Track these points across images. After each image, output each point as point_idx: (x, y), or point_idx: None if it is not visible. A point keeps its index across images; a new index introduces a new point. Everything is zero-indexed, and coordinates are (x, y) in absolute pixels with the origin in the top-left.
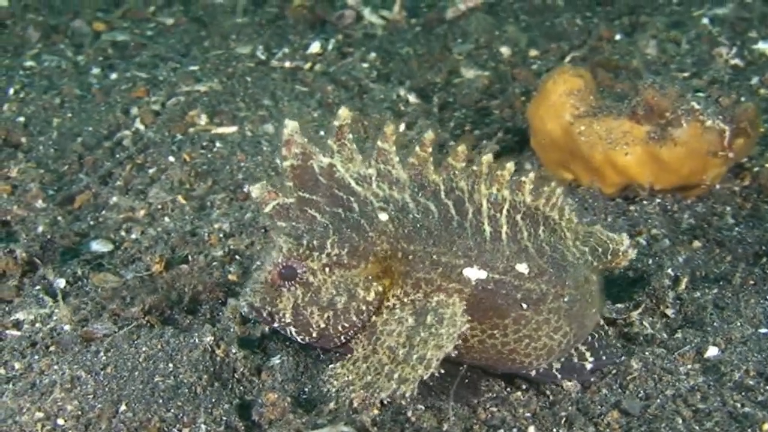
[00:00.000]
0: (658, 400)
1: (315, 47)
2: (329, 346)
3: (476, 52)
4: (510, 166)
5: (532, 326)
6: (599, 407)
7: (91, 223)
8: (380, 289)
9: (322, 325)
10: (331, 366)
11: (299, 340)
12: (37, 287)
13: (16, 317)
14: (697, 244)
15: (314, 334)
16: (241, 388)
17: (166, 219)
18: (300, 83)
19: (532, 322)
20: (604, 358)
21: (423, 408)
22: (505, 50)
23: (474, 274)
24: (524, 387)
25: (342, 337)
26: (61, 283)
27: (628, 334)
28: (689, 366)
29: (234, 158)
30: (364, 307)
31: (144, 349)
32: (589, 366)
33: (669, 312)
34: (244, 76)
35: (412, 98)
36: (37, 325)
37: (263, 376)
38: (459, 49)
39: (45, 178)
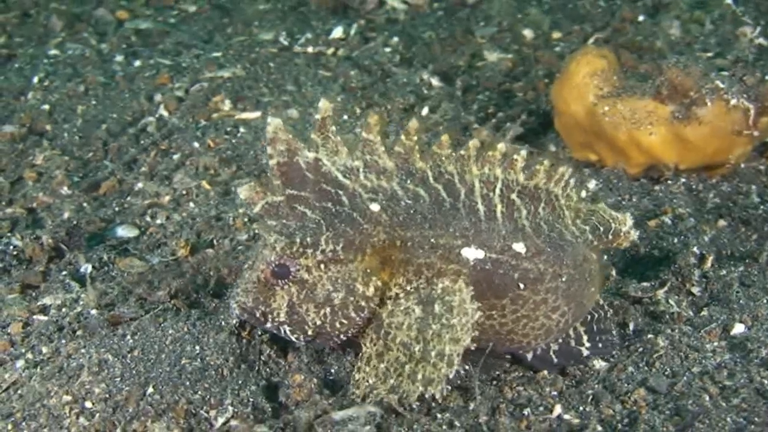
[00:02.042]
0: (685, 378)
1: (337, 32)
2: (329, 344)
3: (499, 35)
4: (501, 146)
5: (530, 306)
6: (626, 385)
7: (117, 209)
8: (379, 283)
9: (318, 323)
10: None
11: (294, 339)
12: (64, 272)
13: (43, 302)
14: (722, 222)
15: (309, 332)
16: (268, 369)
17: (191, 204)
18: (323, 68)
19: (529, 302)
20: (600, 346)
21: (449, 388)
22: (527, 33)
23: (472, 253)
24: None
25: (341, 335)
26: (88, 268)
27: (654, 312)
28: (715, 343)
29: (258, 143)
30: (363, 303)
31: (170, 332)
32: (585, 353)
33: (695, 290)
34: (267, 62)
35: (435, 82)
36: (64, 309)
37: (289, 358)
38: (481, 32)
39: (70, 165)
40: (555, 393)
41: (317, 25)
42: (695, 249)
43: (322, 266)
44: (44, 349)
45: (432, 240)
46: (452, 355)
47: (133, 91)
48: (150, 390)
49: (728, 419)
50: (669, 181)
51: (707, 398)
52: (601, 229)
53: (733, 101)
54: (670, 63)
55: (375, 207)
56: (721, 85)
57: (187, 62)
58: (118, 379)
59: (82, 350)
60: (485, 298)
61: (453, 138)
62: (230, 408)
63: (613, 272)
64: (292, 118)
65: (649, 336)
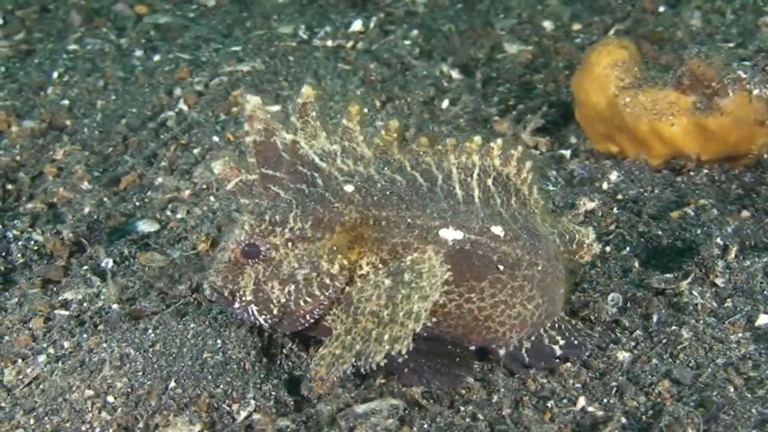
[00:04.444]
0: (709, 369)
1: (357, 26)
2: (296, 327)
3: (519, 27)
4: (477, 138)
5: (508, 291)
6: (650, 377)
7: (137, 203)
8: (345, 262)
9: (283, 300)
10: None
11: (261, 321)
12: (85, 267)
13: (65, 297)
14: (745, 213)
15: (275, 311)
16: (290, 363)
17: (212, 198)
18: (342, 62)
19: (507, 287)
20: (575, 343)
21: (473, 380)
22: (547, 24)
23: (450, 234)
24: (572, 359)
25: (307, 316)
26: (109, 262)
27: (678, 303)
28: (740, 334)
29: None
30: (328, 281)
31: (192, 325)
32: (558, 351)
33: (719, 281)
34: (287, 56)
35: (455, 74)
36: (85, 304)
37: (311, 352)
38: (501, 24)
39: (90, 159)
40: (579, 385)
41: (336, 18)
42: (718, 240)
43: (290, 244)
44: (66, 344)
45: (408, 220)
46: (420, 312)
47: (153, 86)
48: (172, 384)
49: (753, 410)
50: (691, 173)
51: (732, 389)
52: (567, 237)
53: (756, 91)
54: (692, 53)
55: (349, 188)
56: (743, 75)
57: (206, 56)
58: (140, 373)
59: (104, 344)
60: (464, 279)
61: (432, 140)
62: (252, 402)
63: (636, 264)
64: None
65: (673, 327)
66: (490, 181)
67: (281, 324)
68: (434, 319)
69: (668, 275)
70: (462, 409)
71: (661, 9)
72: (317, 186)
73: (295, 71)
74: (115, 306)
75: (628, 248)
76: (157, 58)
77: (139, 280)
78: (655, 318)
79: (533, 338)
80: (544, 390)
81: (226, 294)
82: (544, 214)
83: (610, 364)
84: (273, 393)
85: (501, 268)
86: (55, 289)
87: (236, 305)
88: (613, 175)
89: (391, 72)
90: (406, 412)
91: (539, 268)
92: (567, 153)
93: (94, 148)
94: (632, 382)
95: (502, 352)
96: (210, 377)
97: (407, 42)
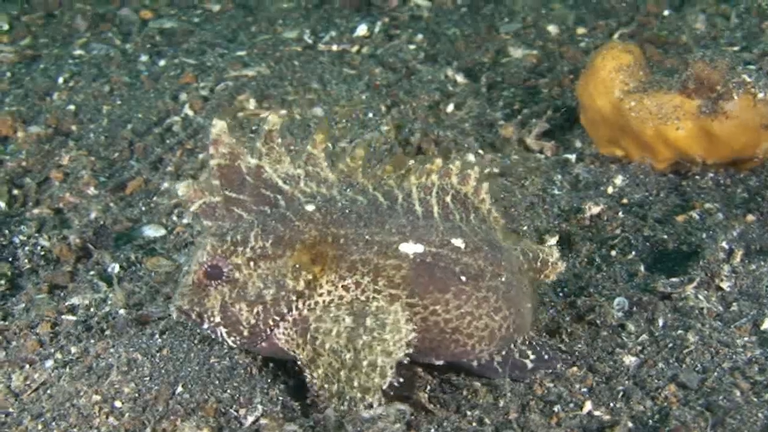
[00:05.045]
0: (716, 373)
1: (362, 30)
2: (253, 345)
3: (523, 31)
4: (438, 161)
5: (473, 302)
6: (656, 381)
7: (143, 208)
8: (310, 277)
9: (252, 321)
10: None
11: (230, 342)
12: (92, 272)
13: (72, 302)
14: (750, 217)
15: (245, 333)
16: (296, 368)
17: None
18: (348, 66)
19: (472, 298)
20: (546, 357)
21: (479, 385)
22: (552, 28)
23: (411, 248)
24: (579, 363)
25: (268, 332)
26: (115, 268)
27: (684, 307)
28: (746, 338)
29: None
30: (294, 297)
31: (199, 330)
32: (530, 365)
33: (724, 285)
34: (292, 60)
35: (460, 78)
36: (92, 309)
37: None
38: (506, 28)
39: (96, 165)
40: (585, 389)
41: (341, 22)
42: (724, 244)
43: (252, 263)
44: (73, 349)
45: (367, 237)
46: (385, 367)
47: (158, 91)
48: (179, 389)
49: (760, 414)
50: (696, 176)
51: (738, 394)
52: (530, 255)
53: (761, 95)
54: (697, 57)
55: (310, 207)
56: (748, 79)
57: (211, 61)
58: (147, 378)
59: (111, 350)
60: (428, 292)
61: (398, 165)
62: (260, 407)
63: (642, 268)
64: (317, 116)
65: (679, 331)
66: (449, 198)
67: (249, 342)
68: None
69: (674, 279)
70: (468, 413)
71: (666, 12)
72: (279, 207)
73: (301, 76)
74: (122, 311)
75: (633, 252)
76: (162, 63)
77: (146, 285)
78: (661, 322)
79: (504, 353)
80: (550, 394)
81: (194, 316)
82: (505, 233)
83: (616, 368)
84: (280, 398)
85: (464, 279)
86: (62, 294)
87: (205, 326)
88: (619, 179)
89: (396, 76)
90: (413, 416)
91: (503, 279)
92: (572, 157)
93: (100, 153)
94: (639, 387)
95: (474, 364)
96: (217, 382)
97: (412, 46)
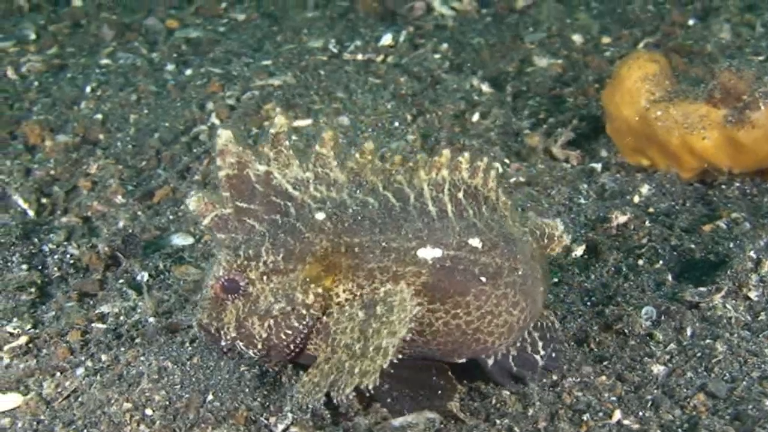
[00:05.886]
0: (744, 383)
1: (387, 39)
2: (283, 357)
3: (548, 40)
4: (446, 152)
5: (493, 302)
6: (685, 390)
7: (171, 217)
8: (320, 290)
9: (265, 335)
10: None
11: (251, 354)
12: (121, 281)
13: (101, 310)
14: None
15: (259, 346)
16: None
17: None
18: (373, 75)
19: (492, 297)
20: (553, 355)
21: (508, 393)
22: (577, 38)
23: (429, 253)
24: (607, 372)
25: (291, 346)
26: (144, 276)
27: (712, 317)
28: None
29: (310, 150)
30: (304, 311)
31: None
32: (540, 362)
33: (752, 294)
34: (317, 70)
35: (485, 88)
36: (122, 317)
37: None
38: (531, 37)
39: (124, 173)
40: (614, 398)
41: (366, 32)
42: (751, 253)
43: (265, 278)
44: (103, 357)
45: (384, 244)
46: (388, 347)
47: (185, 100)
48: (210, 397)
49: None
50: (723, 186)
51: (767, 403)
52: (537, 233)
53: None
54: (723, 66)
55: (320, 216)
56: None
57: (237, 70)
58: (178, 386)
59: (142, 358)
60: (449, 296)
61: (403, 159)
62: (290, 415)
63: (669, 277)
64: (342, 125)
65: (708, 341)
66: (461, 195)
67: (267, 355)
68: (423, 339)
69: (701, 288)
70: (498, 422)
71: (691, 22)
72: (290, 215)
73: (326, 85)
74: (151, 319)
75: (661, 262)
76: (188, 72)
77: (175, 293)
78: (689, 331)
79: (518, 345)
80: (579, 403)
81: (212, 331)
82: (513, 213)
83: (645, 377)
84: (310, 406)
85: (483, 279)
86: (91, 302)
87: (223, 342)
88: (645, 189)
89: (422, 86)
90: (443, 425)
91: (520, 272)
92: (598, 166)
93: (128, 162)
94: (667, 396)
95: (490, 362)
96: (247, 390)
97: (437, 56)
